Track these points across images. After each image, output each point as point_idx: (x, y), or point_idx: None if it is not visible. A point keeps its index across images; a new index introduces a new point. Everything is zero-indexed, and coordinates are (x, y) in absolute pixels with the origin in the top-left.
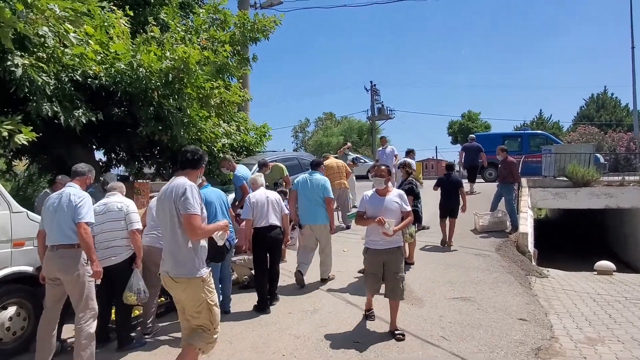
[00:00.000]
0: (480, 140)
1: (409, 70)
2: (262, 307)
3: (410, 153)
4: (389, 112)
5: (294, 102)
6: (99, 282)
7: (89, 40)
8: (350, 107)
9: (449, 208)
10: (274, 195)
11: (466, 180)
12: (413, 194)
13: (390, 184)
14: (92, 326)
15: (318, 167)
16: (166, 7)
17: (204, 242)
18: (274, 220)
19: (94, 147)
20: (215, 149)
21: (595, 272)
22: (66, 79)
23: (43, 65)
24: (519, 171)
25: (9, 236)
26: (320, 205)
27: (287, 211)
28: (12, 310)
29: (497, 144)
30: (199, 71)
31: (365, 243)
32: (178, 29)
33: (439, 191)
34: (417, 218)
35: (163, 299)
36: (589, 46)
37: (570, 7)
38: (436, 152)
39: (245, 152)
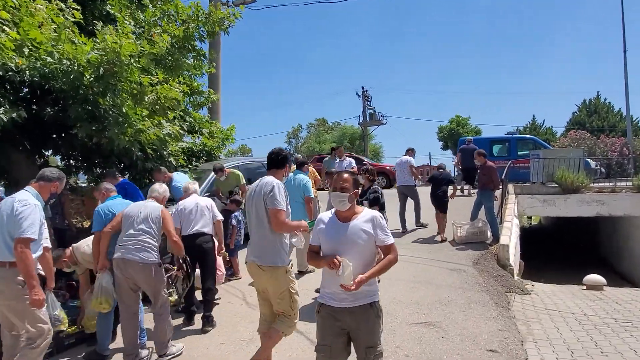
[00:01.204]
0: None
1: (401, 75)
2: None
3: (410, 151)
4: (380, 117)
5: (286, 108)
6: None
7: (4, 27)
8: (344, 113)
9: (439, 202)
10: (205, 201)
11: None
12: (378, 204)
13: (358, 203)
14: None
15: (302, 166)
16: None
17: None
18: (201, 227)
19: (29, 150)
20: (165, 153)
21: (585, 287)
22: None
23: None
24: (505, 177)
25: None
26: (300, 204)
27: (220, 217)
28: None
29: (485, 149)
30: (134, 64)
31: (319, 296)
32: (126, 22)
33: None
34: None
35: (72, 328)
36: (581, 51)
37: (562, 12)
38: (430, 158)
39: (205, 157)
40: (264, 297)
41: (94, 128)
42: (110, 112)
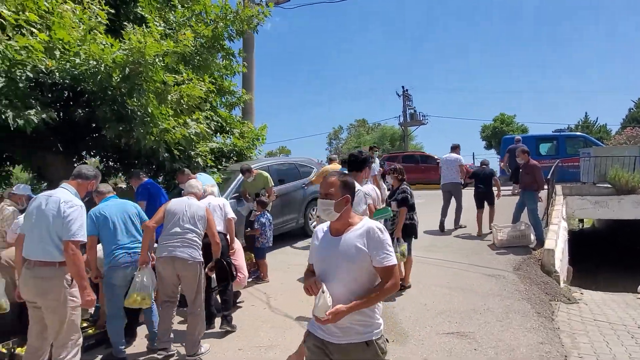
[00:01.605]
0: (510, 142)
1: (443, 74)
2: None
3: (456, 149)
4: (421, 117)
5: (325, 109)
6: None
7: (33, 30)
8: (384, 113)
9: (484, 197)
10: (217, 200)
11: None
12: (407, 205)
13: (355, 211)
14: None
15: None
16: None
17: None
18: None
19: (64, 152)
20: (192, 153)
21: None
22: (22, 77)
23: None
24: (552, 177)
25: None
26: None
27: (231, 216)
28: None
29: (532, 148)
30: (158, 63)
31: (309, 323)
32: (156, 23)
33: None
34: (414, 231)
35: (93, 329)
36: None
37: (617, 5)
38: (473, 158)
39: (235, 158)
40: None
41: (121, 128)
42: (138, 112)
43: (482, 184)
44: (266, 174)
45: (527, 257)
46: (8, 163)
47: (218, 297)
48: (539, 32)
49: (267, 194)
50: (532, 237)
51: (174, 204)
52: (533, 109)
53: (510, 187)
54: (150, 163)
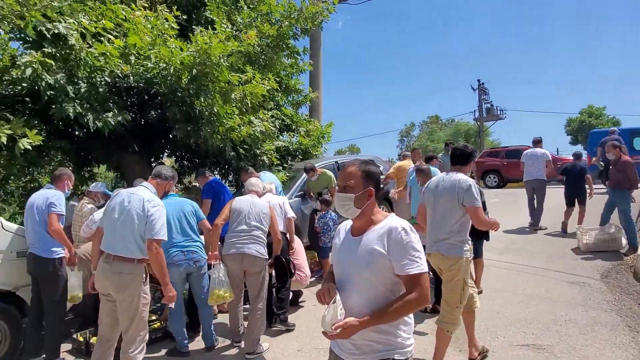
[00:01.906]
0: (599, 136)
1: (522, 66)
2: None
3: (538, 143)
4: (499, 111)
5: (397, 106)
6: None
7: (110, 37)
8: (458, 109)
9: (575, 195)
10: (277, 199)
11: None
12: None
13: (382, 208)
14: (140, 357)
15: (431, 160)
16: (210, 3)
17: None
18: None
19: (139, 152)
20: (258, 152)
21: None
22: (101, 82)
23: (50, 61)
24: None
25: None
26: None
27: (291, 215)
28: None
29: (625, 142)
30: (223, 63)
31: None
32: (223, 25)
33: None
34: (484, 232)
35: (159, 323)
36: None
37: None
38: (557, 154)
39: (300, 156)
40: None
41: (189, 129)
42: (205, 112)
43: (574, 181)
44: (330, 173)
45: (618, 264)
46: (93, 163)
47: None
48: (632, 12)
49: (329, 193)
50: (624, 241)
51: (239, 202)
52: (626, 100)
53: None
54: (218, 162)
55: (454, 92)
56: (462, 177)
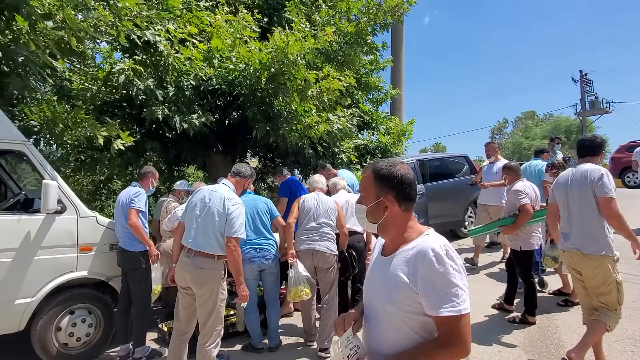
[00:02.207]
0: None
1: (630, 53)
2: None
3: None
4: (605, 104)
5: (487, 102)
6: None
7: (194, 41)
8: (556, 103)
9: None
10: (355, 198)
11: None
12: None
13: (414, 224)
14: (215, 351)
15: (541, 154)
16: (289, 4)
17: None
18: (352, 225)
19: (223, 152)
20: (336, 150)
21: None
22: (187, 85)
23: (140, 68)
24: None
25: (75, 241)
26: None
27: None
28: (76, 316)
29: None
30: (300, 61)
31: None
32: (302, 25)
33: None
34: None
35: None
36: None
37: None
38: None
39: (379, 154)
40: (583, 287)
41: (268, 128)
42: (283, 111)
43: None
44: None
45: None
46: (183, 163)
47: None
48: None
49: None
50: None
51: (306, 200)
52: None
53: None
54: (297, 161)
55: (551, 85)
56: (593, 167)
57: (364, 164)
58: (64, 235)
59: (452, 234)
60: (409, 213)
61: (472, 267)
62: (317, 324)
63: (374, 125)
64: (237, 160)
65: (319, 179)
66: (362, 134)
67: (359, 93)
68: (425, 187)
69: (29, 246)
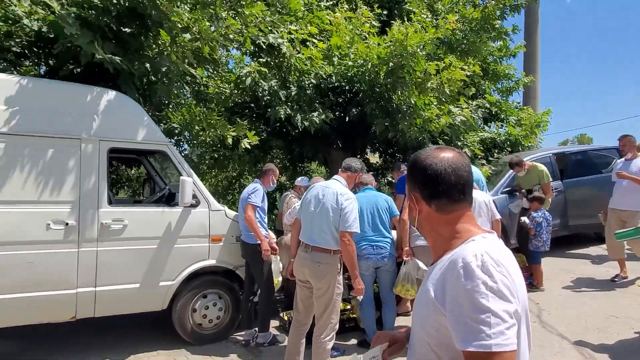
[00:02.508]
0: None
1: None
2: None
3: None
4: None
5: None
6: None
7: (314, 41)
8: None
9: None
10: (483, 196)
11: None
12: None
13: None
14: (330, 343)
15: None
16: None
17: None
18: (480, 225)
19: (343, 149)
20: (459, 144)
21: None
22: (309, 84)
23: (264, 69)
24: None
25: (207, 232)
26: None
27: (498, 217)
28: (208, 300)
29: None
30: (420, 53)
31: None
32: (423, 15)
33: None
34: None
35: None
36: None
37: None
38: None
39: (508, 148)
40: None
41: (386, 124)
42: (402, 106)
43: None
44: (542, 167)
45: None
46: (306, 160)
47: None
48: None
49: (542, 190)
50: None
51: None
52: None
53: None
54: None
55: None
56: None
57: (490, 158)
58: (197, 226)
59: (598, 238)
60: (449, 214)
61: (622, 279)
62: None
63: (502, 116)
64: (358, 156)
65: None
66: (489, 127)
67: (486, 83)
68: (564, 184)
69: (170, 235)
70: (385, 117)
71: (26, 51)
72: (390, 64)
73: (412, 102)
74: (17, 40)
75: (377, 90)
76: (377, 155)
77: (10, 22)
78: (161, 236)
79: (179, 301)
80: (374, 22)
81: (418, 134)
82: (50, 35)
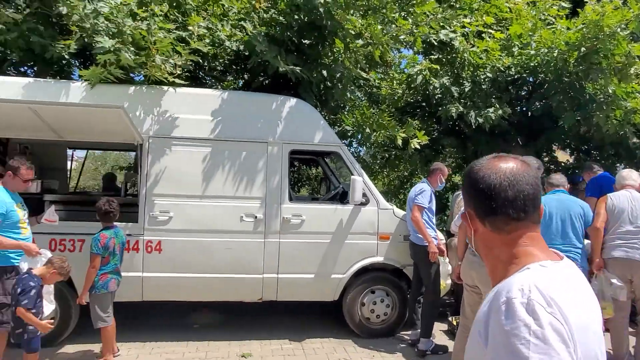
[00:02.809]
0: None
1: None
2: None
3: None
4: None
5: None
6: None
7: (490, 31)
8: None
9: None
10: None
11: None
12: None
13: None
14: None
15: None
16: None
17: None
18: None
19: (523, 146)
20: None
21: None
22: (484, 79)
23: (436, 66)
24: None
25: (376, 230)
26: None
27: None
28: (376, 295)
29: None
30: (620, 33)
31: None
32: None
33: None
34: None
35: None
36: None
37: None
38: None
39: None
40: None
41: (578, 117)
42: (596, 96)
43: None
44: None
45: None
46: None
47: None
48: None
49: None
50: None
51: (615, 199)
52: None
53: None
54: (618, 153)
55: None
56: None
57: None
58: (367, 224)
59: None
60: (508, 234)
61: None
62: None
63: None
64: (543, 154)
65: (628, 174)
66: None
67: None
68: None
69: (341, 231)
70: (575, 110)
71: (227, 69)
72: (583, 49)
73: (610, 91)
74: (220, 60)
75: (566, 79)
76: (567, 153)
77: (216, 45)
78: (334, 231)
79: (349, 294)
80: (563, 4)
81: (618, 128)
82: (246, 53)
